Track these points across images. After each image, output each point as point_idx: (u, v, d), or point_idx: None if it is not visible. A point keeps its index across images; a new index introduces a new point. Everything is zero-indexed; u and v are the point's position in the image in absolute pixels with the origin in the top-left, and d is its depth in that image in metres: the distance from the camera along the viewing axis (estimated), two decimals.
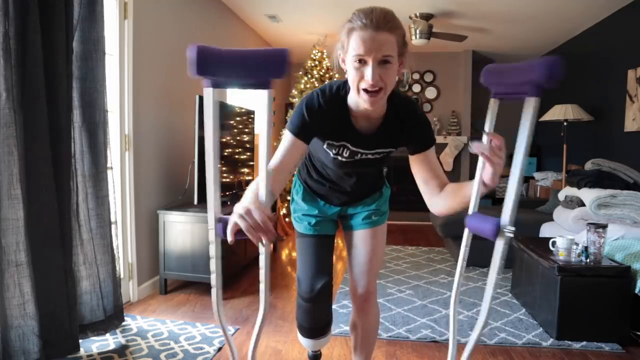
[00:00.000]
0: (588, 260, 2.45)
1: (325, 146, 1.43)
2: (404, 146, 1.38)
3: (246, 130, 3.90)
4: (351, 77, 1.22)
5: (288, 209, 5.28)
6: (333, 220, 1.71)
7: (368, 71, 1.18)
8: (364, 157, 1.43)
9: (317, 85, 5.18)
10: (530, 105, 0.95)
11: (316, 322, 1.65)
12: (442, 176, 1.35)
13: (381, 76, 1.19)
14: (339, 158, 1.45)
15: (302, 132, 1.31)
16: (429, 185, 1.34)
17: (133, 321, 2.57)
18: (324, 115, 1.32)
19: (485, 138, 1.06)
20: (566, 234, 3.08)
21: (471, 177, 6.62)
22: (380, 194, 1.70)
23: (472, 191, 1.14)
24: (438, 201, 1.32)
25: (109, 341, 2.31)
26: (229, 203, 3.27)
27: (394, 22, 1.20)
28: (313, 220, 1.65)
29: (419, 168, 1.36)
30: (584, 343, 2.37)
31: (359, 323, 1.73)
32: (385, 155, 1.45)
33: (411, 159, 1.38)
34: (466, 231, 1.14)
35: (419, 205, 1.66)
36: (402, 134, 1.36)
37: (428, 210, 1.38)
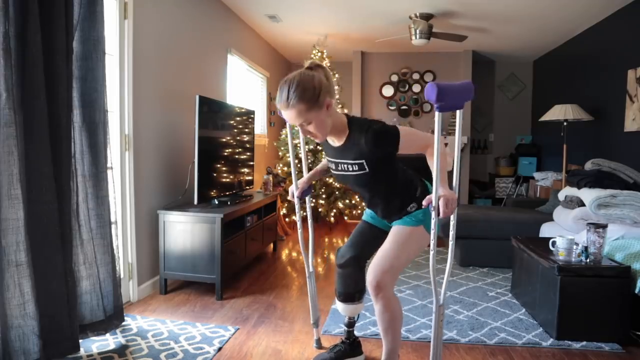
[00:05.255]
0: (588, 260, 2.45)
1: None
2: (374, 156, 1.70)
3: (246, 130, 3.91)
4: None
5: (288, 208, 5.28)
6: (389, 226, 1.97)
7: (300, 130, 1.69)
8: (346, 172, 1.80)
9: None
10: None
11: (346, 287, 2.04)
12: (423, 146, 1.71)
13: (309, 130, 1.65)
14: (333, 172, 1.89)
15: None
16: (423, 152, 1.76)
17: (133, 321, 2.57)
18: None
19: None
20: (566, 234, 3.08)
21: (471, 176, 6.64)
22: (410, 213, 1.86)
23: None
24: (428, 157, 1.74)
25: (109, 341, 2.31)
26: (228, 203, 3.27)
27: (299, 94, 1.55)
28: (373, 214, 2.04)
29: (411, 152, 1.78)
30: (584, 343, 2.37)
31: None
32: (363, 173, 1.75)
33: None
34: None
35: None
36: (364, 147, 1.68)
37: None
